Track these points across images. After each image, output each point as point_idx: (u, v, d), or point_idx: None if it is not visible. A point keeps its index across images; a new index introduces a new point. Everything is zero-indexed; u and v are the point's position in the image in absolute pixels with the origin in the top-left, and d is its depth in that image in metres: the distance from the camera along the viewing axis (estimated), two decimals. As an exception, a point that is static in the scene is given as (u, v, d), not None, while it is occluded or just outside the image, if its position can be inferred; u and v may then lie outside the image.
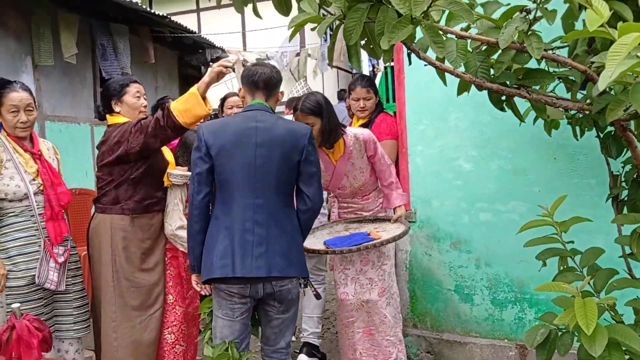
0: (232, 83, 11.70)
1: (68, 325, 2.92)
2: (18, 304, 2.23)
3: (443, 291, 3.55)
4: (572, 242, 2.23)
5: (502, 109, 1.87)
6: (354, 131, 3.08)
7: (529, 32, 1.52)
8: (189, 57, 8.34)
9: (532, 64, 1.81)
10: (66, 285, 2.87)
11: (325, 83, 12.33)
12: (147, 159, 2.91)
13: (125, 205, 2.91)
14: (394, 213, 3.10)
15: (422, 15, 1.32)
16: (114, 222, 2.91)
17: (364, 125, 3.72)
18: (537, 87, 1.84)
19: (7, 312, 2.54)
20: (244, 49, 11.36)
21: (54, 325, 2.86)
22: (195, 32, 7.45)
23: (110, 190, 2.93)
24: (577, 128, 2.35)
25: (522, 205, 3.27)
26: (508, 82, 1.74)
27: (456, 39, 1.65)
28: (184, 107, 2.67)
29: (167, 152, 3.15)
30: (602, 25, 1.11)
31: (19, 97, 2.74)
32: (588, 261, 2.16)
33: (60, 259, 2.83)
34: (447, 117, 3.51)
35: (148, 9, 6.27)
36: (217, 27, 10.50)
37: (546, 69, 1.85)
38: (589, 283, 2.12)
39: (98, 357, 3.03)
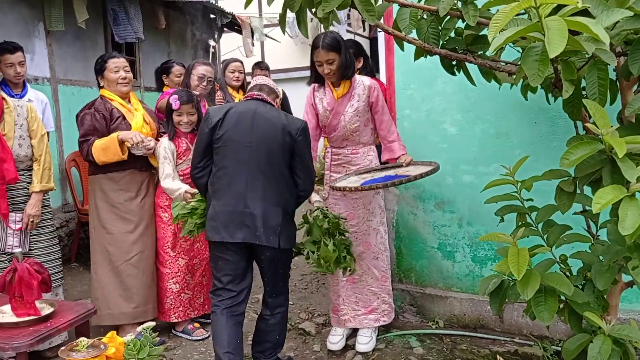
0: (243, 50, 11.77)
1: None
2: (20, 249, 2.46)
3: (427, 249, 3.71)
4: (532, 200, 2.37)
5: (453, 74, 1.99)
6: (362, 77, 3.25)
7: (467, 0, 1.64)
8: (200, 23, 8.43)
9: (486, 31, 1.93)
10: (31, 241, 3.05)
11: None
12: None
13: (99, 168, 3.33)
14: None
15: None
16: (96, 180, 3.37)
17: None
18: (493, 53, 1.96)
19: None
20: (260, 15, 11.40)
21: None
22: (204, -2, 7.53)
23: None
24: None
25: (503, 167, 3.38)
26: (457, 48, 1.86)
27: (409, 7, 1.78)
28: (104, 153, 3.22)
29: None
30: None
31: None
32: (543, 217, 2.30)
33: (17, 226, 2.95)
34: (434, 82, 3.61)
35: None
36: (237, -7, 10.55)
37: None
38: (542, 237, 2.28)
39: None
